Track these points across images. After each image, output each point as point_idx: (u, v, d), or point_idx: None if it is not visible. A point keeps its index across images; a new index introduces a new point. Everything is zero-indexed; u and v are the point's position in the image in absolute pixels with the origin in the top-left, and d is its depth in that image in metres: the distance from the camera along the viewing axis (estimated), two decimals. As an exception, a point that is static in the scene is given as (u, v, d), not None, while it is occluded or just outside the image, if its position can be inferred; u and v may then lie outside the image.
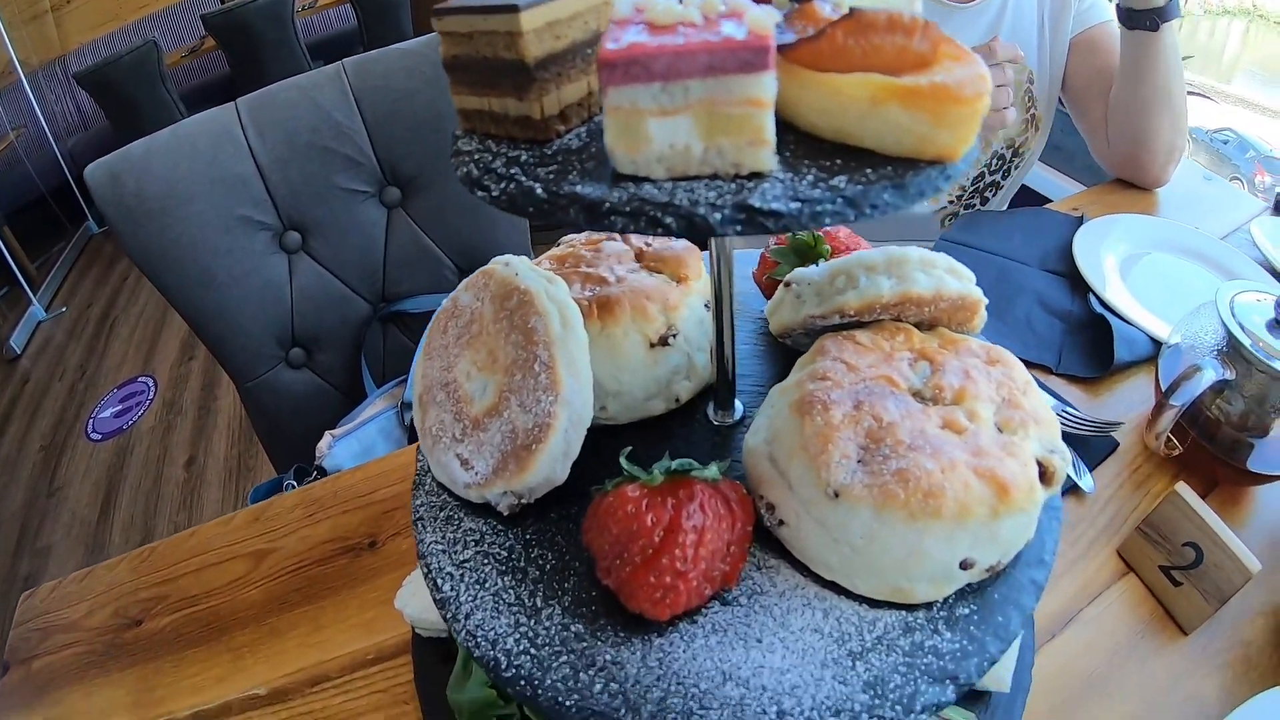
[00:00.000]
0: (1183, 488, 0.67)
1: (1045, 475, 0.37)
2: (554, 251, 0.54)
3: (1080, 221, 1.09)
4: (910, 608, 0.37)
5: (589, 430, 0.43)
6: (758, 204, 0.28)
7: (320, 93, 1.12)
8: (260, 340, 1.14)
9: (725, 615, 0.37)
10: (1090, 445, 0.79)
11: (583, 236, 0.55)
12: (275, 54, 4.17)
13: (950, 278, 0.41)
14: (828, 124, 0.31)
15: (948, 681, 0.34)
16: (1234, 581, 0.64)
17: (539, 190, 0.31)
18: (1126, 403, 0.85)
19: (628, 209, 0.29)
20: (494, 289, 0.46)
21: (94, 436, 2.66)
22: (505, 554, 0.42)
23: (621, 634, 0.37)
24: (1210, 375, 0.69)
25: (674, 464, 0.37)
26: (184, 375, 2.90)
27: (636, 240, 0.53)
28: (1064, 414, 0.79)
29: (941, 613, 0.37)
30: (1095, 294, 0.96)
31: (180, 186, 1.03)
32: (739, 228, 0.28)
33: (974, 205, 1.36)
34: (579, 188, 0.30)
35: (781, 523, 0.38)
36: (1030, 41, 1.26)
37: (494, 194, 0.32)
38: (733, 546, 0.37)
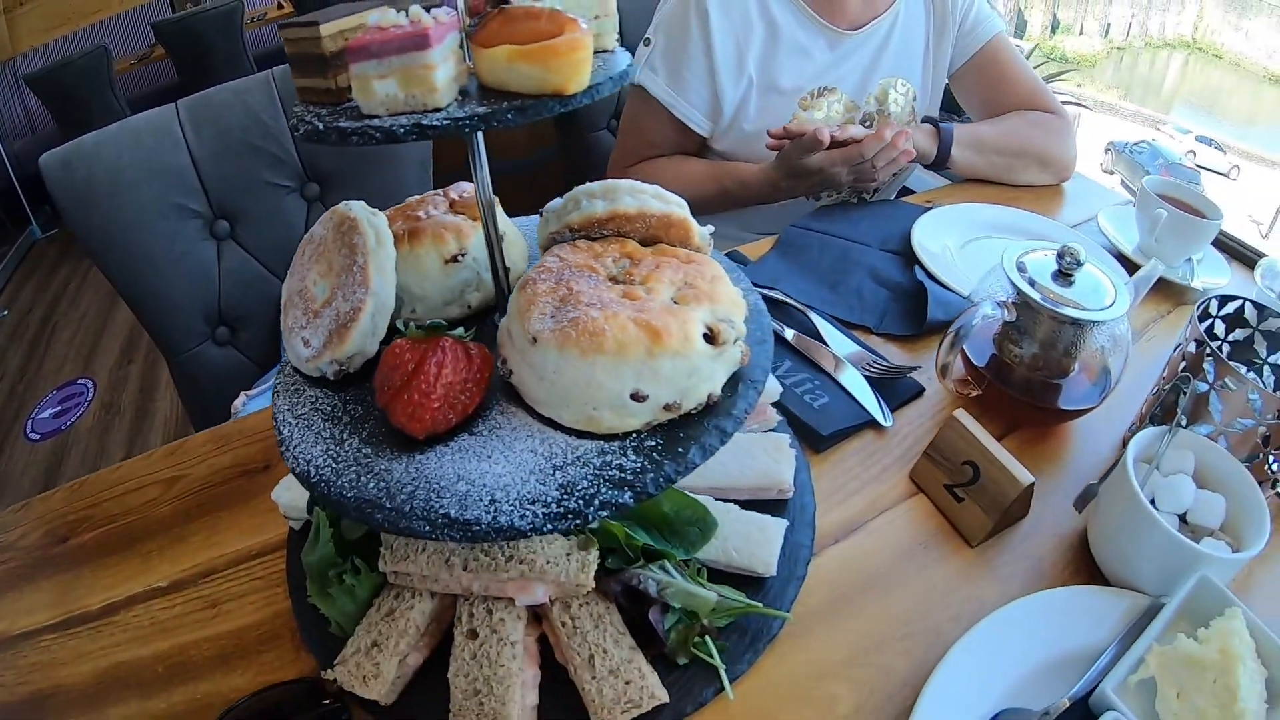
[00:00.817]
0: (961, 413, 0.77)
1: (714, 337, 0.49)
2: (396, 207, 0.68)
3: (926, 210, 1.22)
4: (609, 438, 0.49)
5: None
6: (427, 122, 0.44)
7: (251, 96, 1.26)
8: (190, 318, 1.27)
9: (469, 441, 0.50)
10: (897, 388, 0.90)
11: (418, 197, 0.69)
12: (223, 64, 4.27)
13: (655, 201, 0.54)
14: (495, 79, 0.47)
15: (626, 488, 0.46)
16: (1008, 494, 0.71)
17: (322, 128, 0.46)
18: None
19: (361, 132, 0.44)
20: (335, 220, 0.59)
21: (33, 436, 2.75)
22: (329, 408, 0.55)
23: (394, 453, 0.50)
24: (986, 311, 0.79)
25: (429, 322, 0.52)
26: (123, 378, 3.00)
27: (453, 192, 0.67)
28: (872, 364, 0.91)
29: (632, 443, 0.49)
30: (921, 265, 1.09)
31: (124, 176, 1.17)
32: (415, 137, 0.44)
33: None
34: (340, 123, 0.45)
35: (511, 372, 0.51)
36: (915, 61, 1.38)
37: (303, 133, 0.47)
38: (469, 383, 0.50)
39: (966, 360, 0.88)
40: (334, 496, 0.48)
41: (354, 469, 0.49)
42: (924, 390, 0.90)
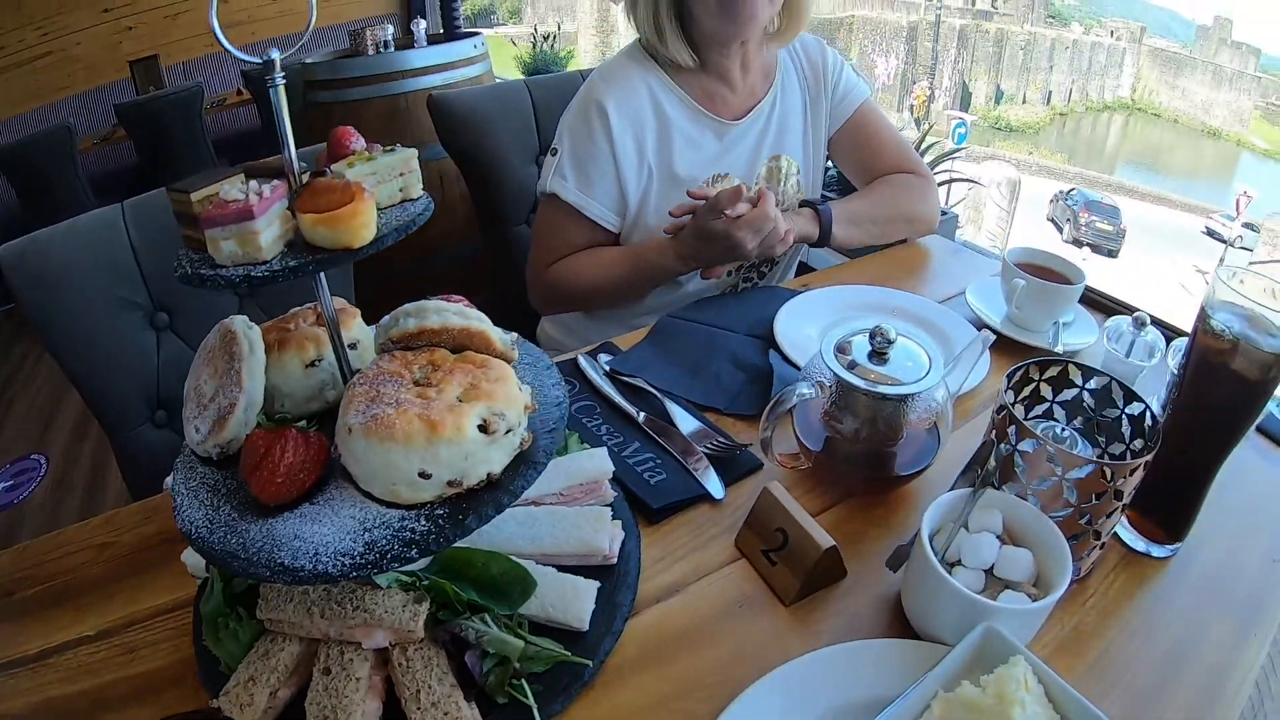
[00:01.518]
0: (774, 485, 0.86)
1: (487, 428, 0.63)
2: (276, 319, 0.82)
3: (797, 293, 1.34)
4: (409, 508, 0.63)
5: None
6: (255, 274, 0.59)
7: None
8: (131, 401, 1.39)
9: (308, 508, 0.64)
10: (738, 463, 0.99)
11: (295, 310, 0.84)
12: (182, 147, 4.42)
13: (456, 317, 0.68)
14: (308, 236, 0.62)
15: (414, 546, 0.60)
16: (811, 556, 0.79)
17: (189, 272, 0.61)
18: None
19: (211, 279, 0.59)
20: (221, 331, 0.74)
21: (-15, 509, 2.79)
22: (213, 482, 0.69)
23: (253, 517, 0.64)
24: (803, 391, 0.88)
25: (277, 416, 0.67)
26: (76, 455, 3.07)
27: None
28: (713, 443, 1.01)
29: (425, 512, 0.63)
30: (776, 348, 1.19)
31: (74, 268, 1.29)
32: (245, 285, 0.59)
33: (751, 280, 1.59)
34: (201, 270, 0.60)
35: (340, 455, 0.65)
36: (796, 137, 1.52)
37: (177, 275, 0.62)
38: (308, 464, 0.65)
39: (797, 434, 0.97)
40: (207, 550, 0.62)
41: (223, 529, 0.63)
42: (762, 465, 0.99)
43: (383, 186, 0.69)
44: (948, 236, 2.36)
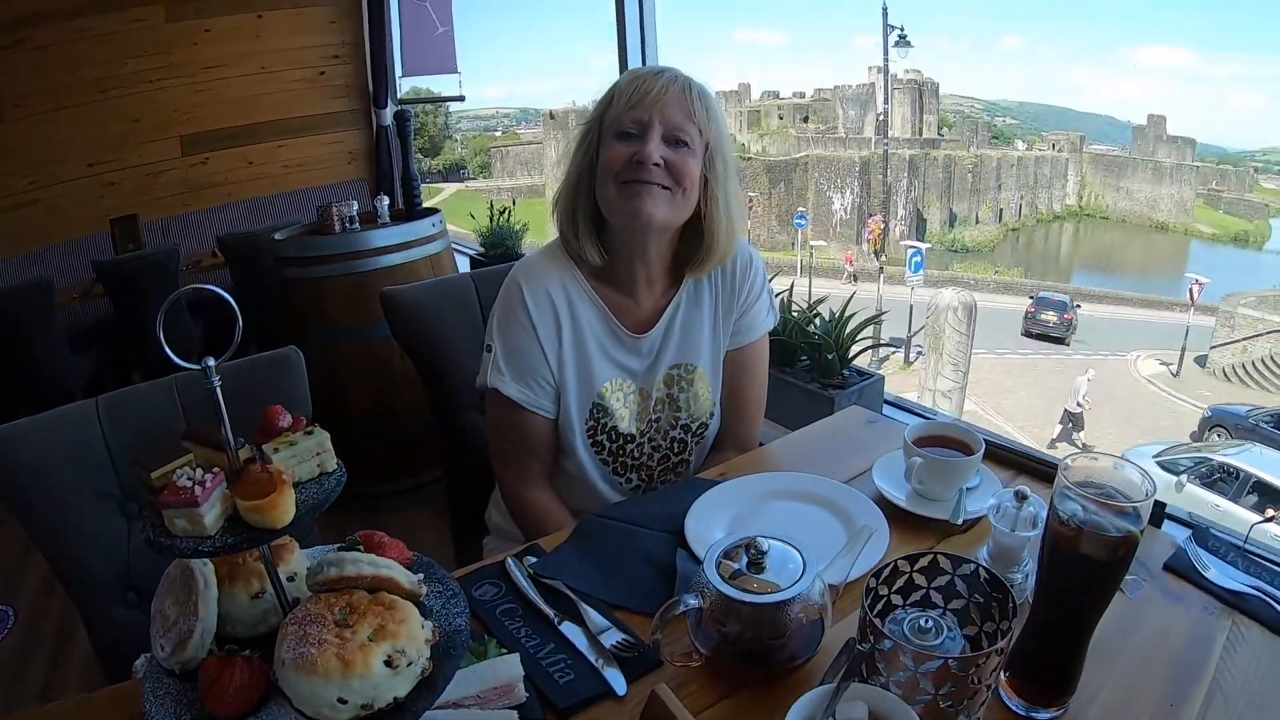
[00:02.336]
0: (661, 688, 0.91)
1: (392, 663, 0.75)
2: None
3: (713, 485, 1.40)
4: (336, 726, 0.75)
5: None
6: (202, 547, 0.72)
7: (156, 400, 1.51)
8: (102, 583, 1.46)
9: None
10: (644, 659, 1.06)
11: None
12: (157, 306, 4.56)
13: (369, 567, 0.81)
14: (243, 515, 0.76)
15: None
16: None
17: (152, 539, 0.74)
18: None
19: (168, 548, 0.73)
20: (180, 566, 0.87)
21: (-48, 661, 2.80)
22: (176, 692, 0.81)
23: None
24: (688, 601, 0.97)
25: (227, 648, 0.80)
26: (44, 610, 3.11)
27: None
28: (620, 642, 1.08)
29: (350, 729, 0.75)
30: (684, 546, 1.25)
31: (49, 458, 1.39)
32: (193, 554, 0.72)
33: (668, 479, 1.64)
34: (160, 539, 0.74)
35: (277, 681, 0.77)
36: (702, 345, 1.57)
37: (143, 540, 0.75)
38: (251, 687, 0.77)
39: (690, 635, 1.05)
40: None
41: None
42: (663, 662, 1.05)
43: (302, 465, 0.83)
44: (874, 400, 2.56)
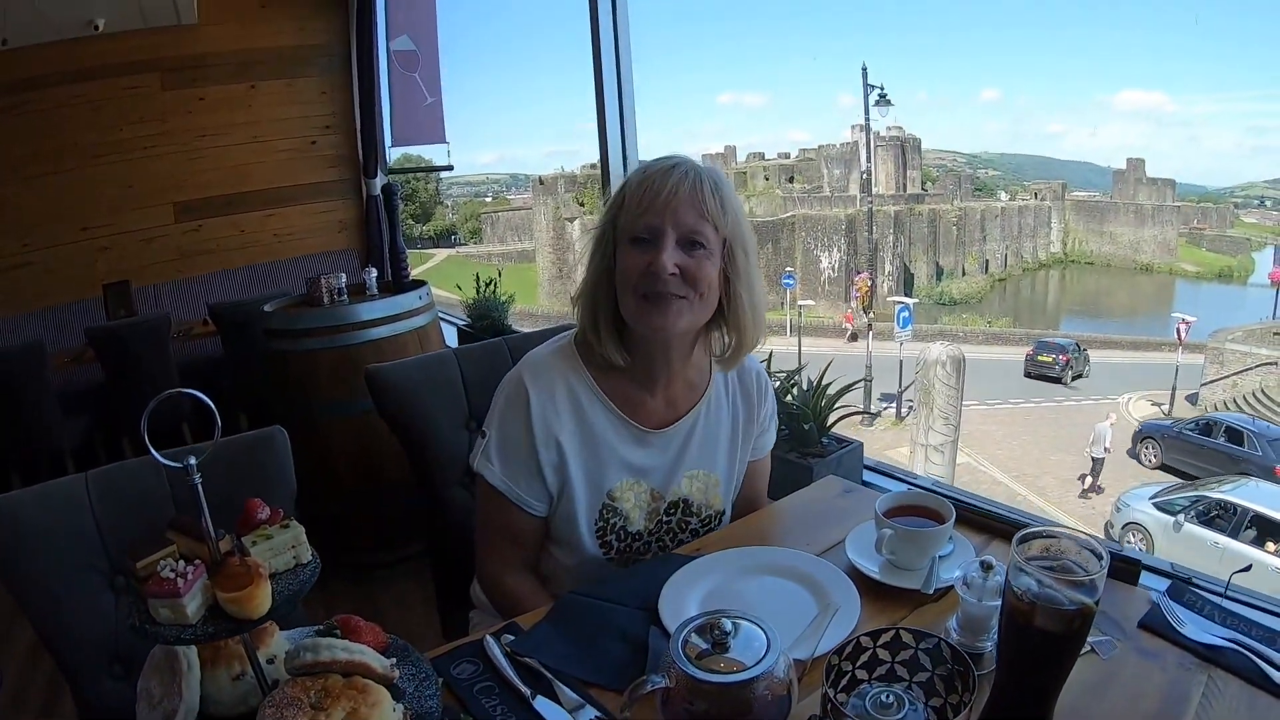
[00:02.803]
0: None
1: None
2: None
3: (689, 560, 1.39)
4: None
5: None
6: (184, 635, 0.75)
7: (143, 478, 1.52)
8: (91, 655, 1.46)
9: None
10: None
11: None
12: (150, 372, 4.60)
13: (343, 652, 0.85)
14: (223, 606, 0.79)
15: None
16: None
17: (136, 625, 0.77)
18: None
19: (154, 634, 0.76)
20: (164, 650, 0.89)
21: (-63, 720, 2.78)
22: None
23: None
24: (655, 680, 0.99)
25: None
26: (31, 674, 3.10)
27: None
28: (593, 718, 1.10)
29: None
30: (656, 624, 1.24)
31: (39, 531, 1.41)
32: (176, 641, 0.74)
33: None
34: (145, 626, 0.77)
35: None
36: (720, 454, 1.59)
37: (128, 627, 0.79)
38: None
39: (660, 711, 1.05)
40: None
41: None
42: None
43: (278, 557, 0.87)
44: (854, 467, 2.58)
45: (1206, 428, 16.85)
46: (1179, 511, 12.02)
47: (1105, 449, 16.05)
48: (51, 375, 4.50)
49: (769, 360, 2.80)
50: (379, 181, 5.82)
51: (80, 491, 1.50)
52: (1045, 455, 18.23)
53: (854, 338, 28.12)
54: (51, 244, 5.38)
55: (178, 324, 5.34)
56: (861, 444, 2.66)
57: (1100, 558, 0.90)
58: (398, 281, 3.80)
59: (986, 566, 1.14)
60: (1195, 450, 16.42)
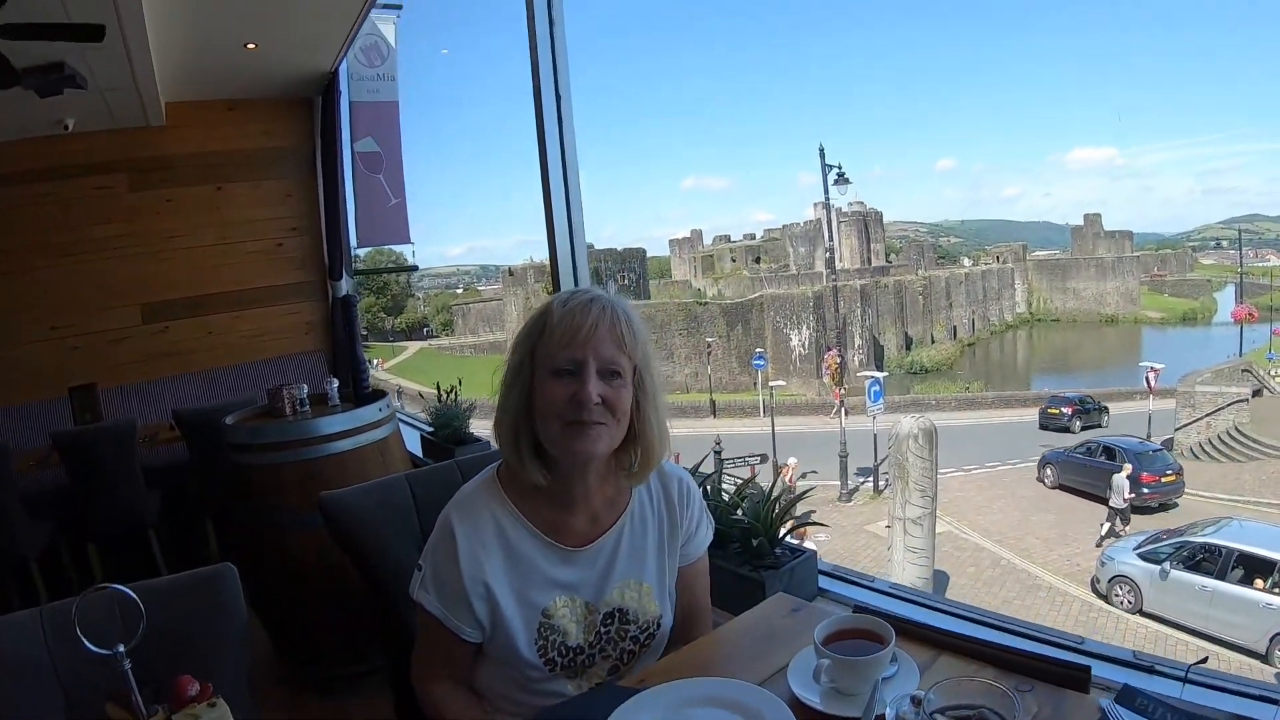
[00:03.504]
0: None
1: None
2: None
3: (632, 693, 1.39)
4: None
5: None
6: None
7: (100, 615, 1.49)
8: None
9: None
10: None
11: None
12: (115, 477, 4.55)
13: None
14: None
15: None
16: None
17: None
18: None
19: None
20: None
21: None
22: None
23: None
24: None
25: None
26: None
27: None
28: None
29: None
30: None
31: None
32: None
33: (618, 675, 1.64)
34: None
35: None
36: (649, 563, 1.64)
37: None
38: None
39: None
40: None
41: None
42: None
43: None
44: (808, 576, 2.58)
45: (1089, 449, 20.12)
46: (1165, 559, 12.19)
47: (1125, 499, 16.69)
48: (16, 477, 4.42)
49: (718, 473, 2.82)
50: (344, 284, 5.87)
51: (35, 626, 1.46)
52: (1026, 516, 18.22)
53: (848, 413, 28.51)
54: (21, 342, 5.43)
55: (145, 427, 5.31)
56: (814, 552, 2.66)
57: (1015, 705, 0.92)
58: (357, 392, 3.79)
59: (916, 701, 1.13)
60: (1081, 468, 19.55)
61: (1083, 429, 26.29)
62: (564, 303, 1.52)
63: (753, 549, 2.56)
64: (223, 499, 3.74)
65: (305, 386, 3.63)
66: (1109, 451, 19.16)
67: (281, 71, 5.61)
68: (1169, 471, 18.33)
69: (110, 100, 4.96)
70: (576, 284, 3.17)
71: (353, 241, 6.08)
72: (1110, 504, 16.87)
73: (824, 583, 2.64)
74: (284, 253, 6.34)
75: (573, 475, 1.56)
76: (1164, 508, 17.65)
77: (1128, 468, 17.31)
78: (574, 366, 1.46)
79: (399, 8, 6.11)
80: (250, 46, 4.90)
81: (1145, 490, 17.36)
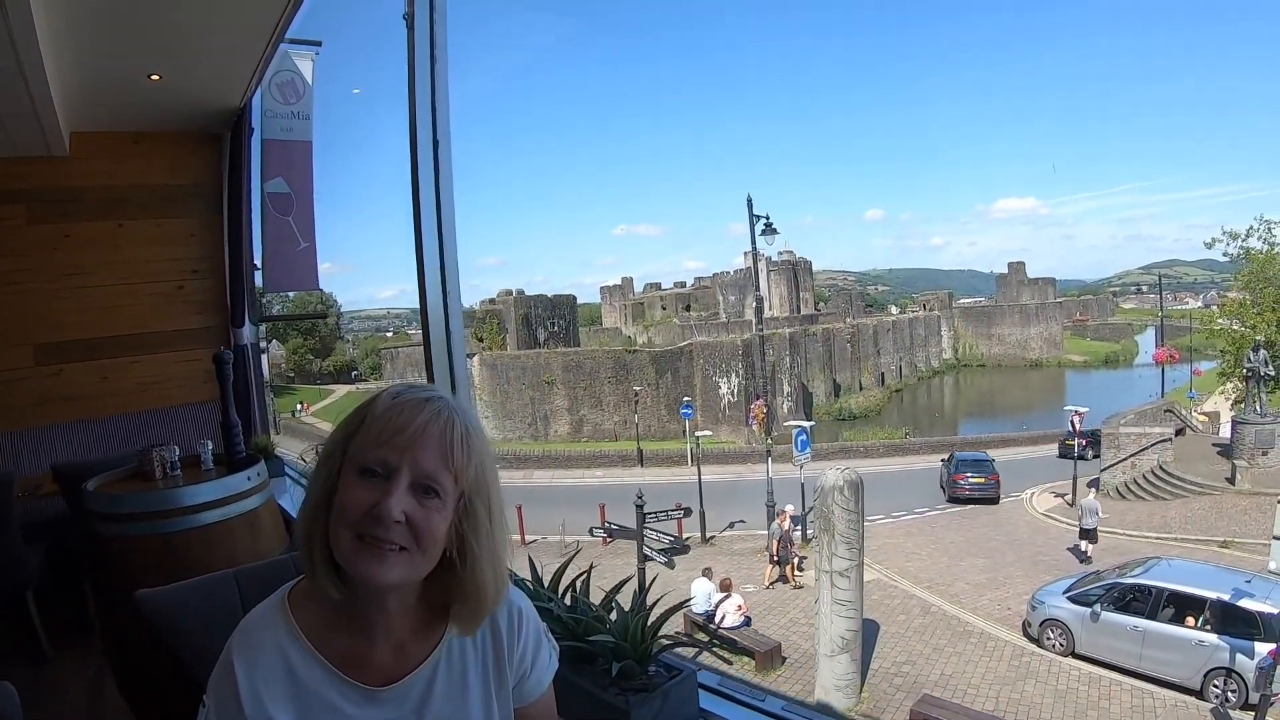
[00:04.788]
0: None
1: None
2: None
3: None
4: None
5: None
6: None
7: None
8: None
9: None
10: None
11: None
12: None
13: None
14: None
15: None
16: None
17: None
18: None
19: None
20: None
21: None
22: None
23: None
24: None
25: None
26: None
27: None
28: None
29: None
30: None
31: None
32: None
33: None
34: None
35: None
36: (473, 705, 1.39)
37: None
38: None
39: None
40: None
41: None
42: None
43: None
44: (687, 697, 2.23)
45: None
46: (1095, 601, 12.39)
47: (1097, 516, 18.06)
48: (16, 505, 4.18)
49: (586, 576, 2.58)
50: (247, 331, 5.59)
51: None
52: (954, 562, 18.44)
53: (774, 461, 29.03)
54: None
55: (28, 479, 4.93)
56: (695, 671, 2.31)
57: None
58: (230, 460, 3.45)
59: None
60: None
61: (1094, 457, 26.30)
62: (395, 395, 1.31)
63: (620, 670, 2.20)
64: (84, 570, 3.42)
65: (177, 449, 3.33)
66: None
67: (188, 105, 5.28)
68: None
69: (9, 126, 4.61)
70: (449, 339, 2.83)
71: (260, 285, 5.80)
72: (1082, 525, 17.86)
73: (707, 702, 2.30)
74: (184, 295, 5.98)
75: (368, 599, 1.31)
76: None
77: (1094, 490, 18.67)
78: (384, 470, 1.24)
79: (318, 44, 5.87)
80: (154, 78, 4.61)
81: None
